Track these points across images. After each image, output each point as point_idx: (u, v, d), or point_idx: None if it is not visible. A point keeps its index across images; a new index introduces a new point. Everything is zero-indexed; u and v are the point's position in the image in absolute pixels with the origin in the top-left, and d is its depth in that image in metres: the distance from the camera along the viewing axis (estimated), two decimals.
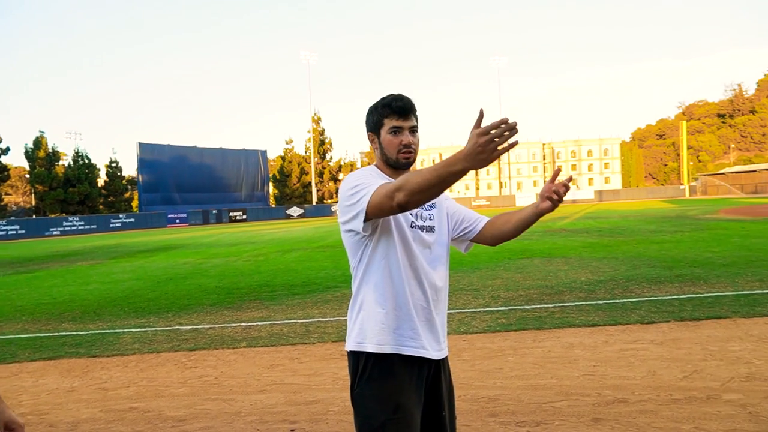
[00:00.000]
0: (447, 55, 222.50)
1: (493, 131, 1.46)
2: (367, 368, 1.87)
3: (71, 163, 58.13)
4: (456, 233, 2.10)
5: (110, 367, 5.27)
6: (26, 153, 55.17)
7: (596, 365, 4.44)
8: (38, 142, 55.24)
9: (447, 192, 1.84)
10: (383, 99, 1.94)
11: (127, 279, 11.94)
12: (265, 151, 70.96)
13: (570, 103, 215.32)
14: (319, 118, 76.07)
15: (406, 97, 1.93)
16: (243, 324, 6.81)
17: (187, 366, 5.15)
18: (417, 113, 1.97)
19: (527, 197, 66.41)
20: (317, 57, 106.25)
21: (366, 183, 1.80)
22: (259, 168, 69.48)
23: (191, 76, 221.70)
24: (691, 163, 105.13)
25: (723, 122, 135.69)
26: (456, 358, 4.76)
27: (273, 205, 70.67)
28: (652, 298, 6.90)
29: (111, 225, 46.96)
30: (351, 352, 1.92)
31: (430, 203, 2.00)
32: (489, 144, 1.47)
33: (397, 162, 1.94)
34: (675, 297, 6.91)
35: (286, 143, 76.41)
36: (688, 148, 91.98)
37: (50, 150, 56.16)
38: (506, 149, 1.49)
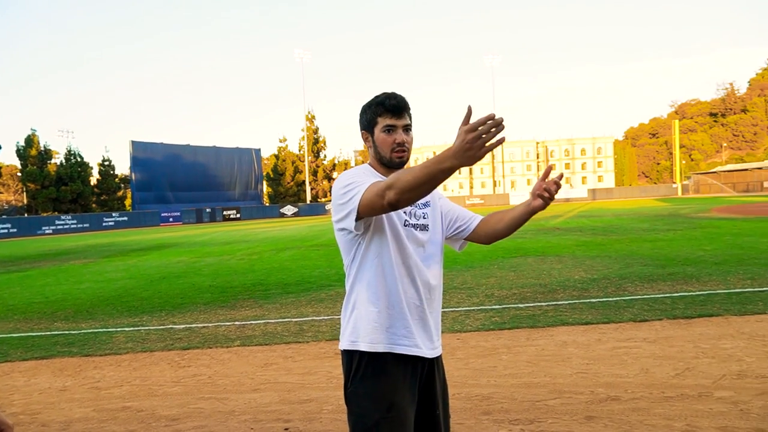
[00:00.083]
0: (441, 54, 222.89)
1: (480, 128, 1.46)
2: (361, 367, 1.87)
3: (63, 161, 57.80)
4: (450, 232, 2.10)
5: (103, 366, 5.25)
6: (18, 151, 54.80)
7: (589, 363, 4.46)
8: (30, 141, 54.88)
9: (441, 190, 1.85)
10: (377, 97, 1.94)
11: (120, 278, 11.89)
12: (259, 150, 70.88)
13: (563, 102, 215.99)
14: (313, 117, 75.98)
15: (400, 96, 1.93)
16: (237, 323, 6.80)
17: (181, 365, 5.14)
18: (411, 112, 1.97)
19: (521, 196, 66.62)
20: (311, 55, 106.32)
21: (358, 182, 1.80)
22: (253, 166, 69.35)
23: (185, 74, 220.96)
24: (684, 162, 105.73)
25: (715, 121, 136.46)
26: (450, 357, 4.77)
27: (267, 204, 70.56)
28: (644, 297, 6.94)
29: (104, 224, 46.76)
30: (344, 350, 1.92)
31: (424, 201, 2.01)
32: (476, 140, 1.47)
33: (390, 161, 1.94)
34: (667, 295, 6.95)
35: (280, 142, 76.23)
36: (681, 146, 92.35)
37: (42, 148, 55.82)
38: (494, 146, 1.49)
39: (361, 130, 2.00)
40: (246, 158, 68.45)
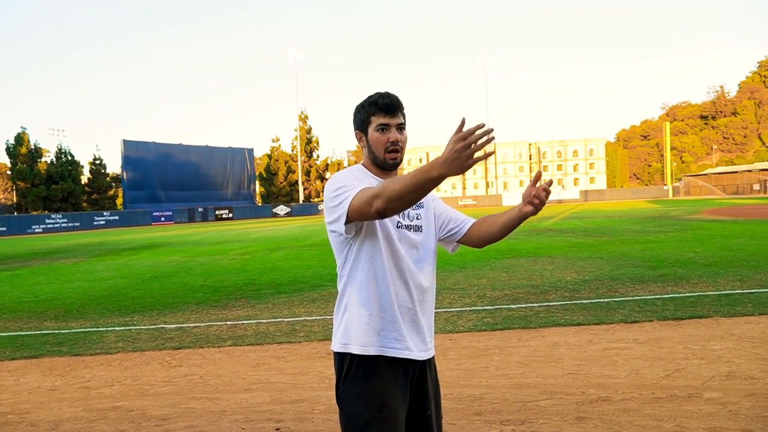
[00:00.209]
0: (434, 54, 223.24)
1: (469, 137, 1.49)
2: (352, 368, 1.87)
3: (54, 159, 57.39)
4: (442, 234, 2.10)
5: (93, 365, 5.21)
6: (7, 149, 54.38)
7: (580, 364, 4.48)
8: (20, 139, 54.46)
9: (434, 192, 1.85)
10: (370, 97, 1.95)
11: (111, 277, 11.82)
12: (252, 150, 70.67)
13: (556, 104, 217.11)
14: (306, 117, 75.89)
15: (393, 95, 1.94)
16: (228, 322, 6.78)
17: (172, 365, 5.11)
18: (404, 111, 1.97)
19: (513, 197, 66.80)
20: (304, 55, 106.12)
21: (349, 185, 1.80)
22: (246, 166, 69.14)
23: (177, 73, 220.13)
24: (675, 164, 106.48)
25: (706, 123, 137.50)
26: (442, 357, 4.77)
27: (259, 204, 70.39)
28: (635, 298, 6.98)
29: (95, 223, 46.46)
30: (336, 352, 1.92)
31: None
32: (465, 150, 1.49)
33: (384, 162, 1.94)
34: (658, 297, 6.99)
35: (273, 141, 76.14)
36: (672, 149, 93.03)
37: (32, 146, 55.41)
38: (481, 158, 1.53)
39: (355, 129, 2.01)
40: (238, 158, 68.24)
